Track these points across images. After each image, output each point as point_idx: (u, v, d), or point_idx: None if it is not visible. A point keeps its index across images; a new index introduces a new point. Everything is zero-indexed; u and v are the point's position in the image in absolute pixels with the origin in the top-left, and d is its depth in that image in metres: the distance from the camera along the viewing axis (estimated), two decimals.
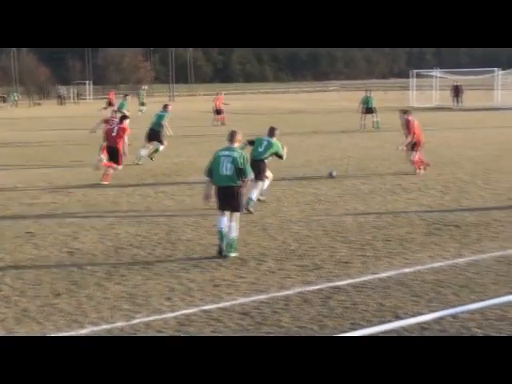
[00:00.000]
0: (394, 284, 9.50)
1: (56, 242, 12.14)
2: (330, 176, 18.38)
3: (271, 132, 15.03)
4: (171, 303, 8.83)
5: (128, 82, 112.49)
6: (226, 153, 11.10)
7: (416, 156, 18.91)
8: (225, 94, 44.00)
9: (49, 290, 9.45)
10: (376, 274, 10.00)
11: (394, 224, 13.09)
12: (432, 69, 61.66)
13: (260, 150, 14.66)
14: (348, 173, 19.55)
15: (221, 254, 10.93)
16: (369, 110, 34.77)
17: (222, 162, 10.98)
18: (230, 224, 11.00)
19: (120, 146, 18.21)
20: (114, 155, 18.33)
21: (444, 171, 19.39)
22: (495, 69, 54.44)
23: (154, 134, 22.45)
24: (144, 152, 22.30)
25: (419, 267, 10.28)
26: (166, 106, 23.46)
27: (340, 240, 11.98)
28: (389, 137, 30.00)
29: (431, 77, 59.34)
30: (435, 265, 10.40)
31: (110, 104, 44.93)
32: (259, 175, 14.06)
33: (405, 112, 19.49)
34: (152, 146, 22.63)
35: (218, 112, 38.52)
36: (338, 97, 78.89)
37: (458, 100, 50.51)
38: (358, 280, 9.71)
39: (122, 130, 18.31)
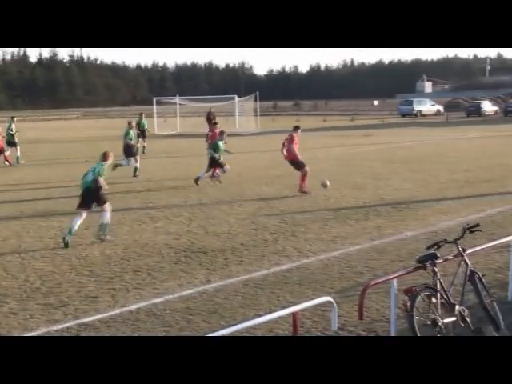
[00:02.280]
0: (145, 316, 9.34)
1: None
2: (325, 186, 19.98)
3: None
4: None
5: None
6: (94, 166, 14.31)
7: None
8: None
9: None
10: (126, 306, 9.79)
11: (142, 254, 12.94)
12: (174, 96, 62.67)
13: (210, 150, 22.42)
14: None
15: (65, 243, 13.61)
16: (143, 133, 35.56)
17: (88, 172, 14.18)
18: (103, 213, 14.07)
19: None
20: None
21: (190, 198, 19.64)
22: (235, 96, 56.62)
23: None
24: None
25: (169, 296, 10.23)
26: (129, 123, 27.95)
27: (87, 274, 11.58)
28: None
29: (174, 104, 60.29)
30: (184, 293, 10.41)
31: None
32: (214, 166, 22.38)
33: None
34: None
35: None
36: (80, 125, 77.52)
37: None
38: (106, 315, 9.43)
39: None
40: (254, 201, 18.85)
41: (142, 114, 36.81)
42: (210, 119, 51.64)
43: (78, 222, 13.96)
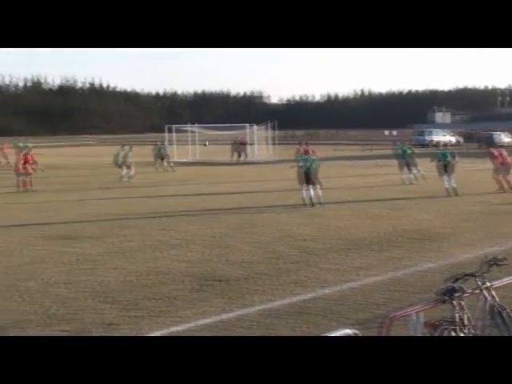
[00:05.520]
0: None
1: None
2: None
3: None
4: None
5: None
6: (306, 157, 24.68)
7: None
8: None
9: None
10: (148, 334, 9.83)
11: (162, 282, 12.99)
12: (187, 123, 62.32)
13: None
14: (108, 230, 19.19)
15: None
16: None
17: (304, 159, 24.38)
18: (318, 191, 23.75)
19: None
20: None
21: (209, 225, 19.68)
22: (247, 124, 56.42)
23: None
24: None
25: (189, 325, 10.27)
26: None
27: (107, 301, 11.66)
28: (149, 190, 30.13)
29: (187, 131, 59.95)
30: (203, 321, 10.45)
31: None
32: None
33: None
34: None
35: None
36: (95, 151, 77.81)
37: (243, 154, 52.15)
38: None
39: None
40: (272, 229, 18.81)
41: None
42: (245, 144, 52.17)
43: (311, 193, 23.04)
